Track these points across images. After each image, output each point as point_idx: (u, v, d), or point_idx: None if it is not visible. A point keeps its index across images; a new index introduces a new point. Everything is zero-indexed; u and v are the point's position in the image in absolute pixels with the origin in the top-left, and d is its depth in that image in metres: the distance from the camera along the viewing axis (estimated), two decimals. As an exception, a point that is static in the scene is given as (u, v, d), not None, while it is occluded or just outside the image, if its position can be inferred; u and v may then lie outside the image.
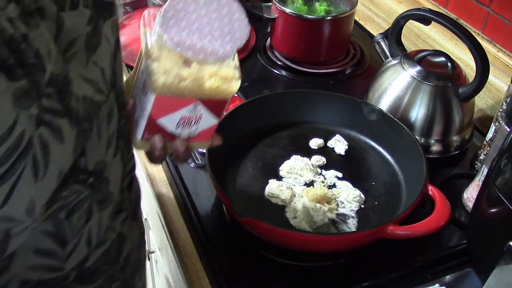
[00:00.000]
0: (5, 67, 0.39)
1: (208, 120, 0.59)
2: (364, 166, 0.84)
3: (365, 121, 0.87)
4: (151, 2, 1.30)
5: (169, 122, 0.57)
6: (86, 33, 0.46)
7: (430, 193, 0.71)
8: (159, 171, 0.87)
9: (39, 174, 0.45)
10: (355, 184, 0.80)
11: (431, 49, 0.99)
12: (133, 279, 0.69)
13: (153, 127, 0.57)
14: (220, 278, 0.69)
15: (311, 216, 0.71)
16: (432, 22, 0.86)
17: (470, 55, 0.82)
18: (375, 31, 1.25)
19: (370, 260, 0.72)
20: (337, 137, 0.88)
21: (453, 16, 1.05)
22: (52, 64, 0.43)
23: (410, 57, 0.90)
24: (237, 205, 0.67)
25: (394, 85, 0.88)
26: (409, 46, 1.11)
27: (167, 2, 0.54)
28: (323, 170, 0.83)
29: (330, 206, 0.74)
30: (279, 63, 1.12)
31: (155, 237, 1.08)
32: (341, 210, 0.76)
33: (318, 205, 0.72)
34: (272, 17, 1.09)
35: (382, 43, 0.98)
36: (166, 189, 0.84)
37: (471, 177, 0.81)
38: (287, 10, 1.06)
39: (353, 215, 0.75)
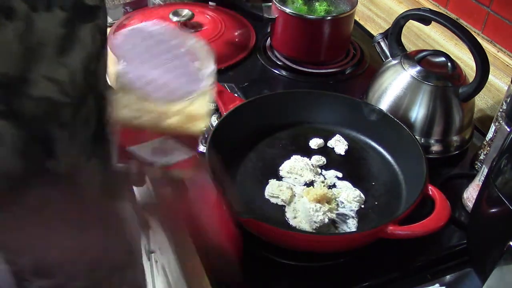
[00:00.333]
0: None
1: (182, 153, 0.58)
2: (364, 166, 0.84)
3: (365, 121, 0.87)
4: (151, 2, 1.30)
5: (141, 150, 0.56)
6: (58, 34, 0.46)
7: (430, 193, 0.71)
8: (159, 171, 0.87)
9: None
10: (355, 184, 0.80)
11: (431, 49, 0.99)
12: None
13: (124, 154, 0.56)
14: (220, 278, 0.69)
15: (311, 216, 0.71)
16: (432, 22, 0.86)
17: (470, 55, 0.82)
18: (375, 31, 1.25)
19: (370, 260, 0.72)
20: (337, 137, 0.88)
21: (453, 16, 1.05)
22: (7, 66, 0.42)
23: (410, 57, 0.90)
24: (237, 205, 0.67)
25: (394, 85, 0.88)
26: (409, 46, 1.11)
27: (125, 33, 0.53)
28: (323, 170, 0.83)
29: (330, 206, 0.74)
30: (279, 63, 1.12)
31: (155, 237, 1.08)
32: (341, 210, 0.76)
33: (318, 205, 0.72)
34: (272, 17, 1.09)
35: (382, 43, 0.98)
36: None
37: (471, 177, 0.81)
38: (287, 10, 1.06)
39: (353, 215, 0.75)
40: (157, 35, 0.52)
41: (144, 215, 0.65)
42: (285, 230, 0.68)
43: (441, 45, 1.06)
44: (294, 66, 1.10)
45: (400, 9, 1.14)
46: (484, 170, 0.75)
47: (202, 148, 0.87)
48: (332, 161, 0.84)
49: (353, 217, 0.75)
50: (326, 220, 0.71)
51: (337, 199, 0.77)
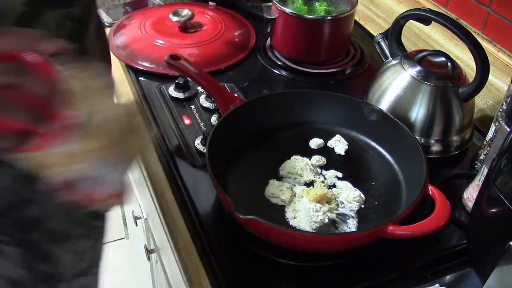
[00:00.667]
0: None
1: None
2: (364, 166, 0.84)
3: (365, 121, 0.87)
4: (151, 2, 1.30)
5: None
6: (19, 11, 0.47)
7: (430, 193, 0.71)
8: (159, 171, 0.87)
9: None
10: (355, 184, 0.80)
11: (431, 49, 0.99)
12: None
13: None
14: (220, 278, 0.69)
15: (311, 216, 0.71)
16: (432, 22, 0.86)
17: (470, 55, 0.82)
18: (375, 31, 1.25)
19: (370, 260, 0.72)
20: (337, 137, 0.88)
21: (453, 16, 1.05)
22: None
23: (410, 57, 0.90)
24: (237, 205, 0.67)
25: (394, 85, 0.88)
26: (409, 46, 1.11)
27: None
28: (323, 170, 0.83)
29: (330, 206, 0.74)
30: (279, 63, 1.12)
31: (155, 237, 1.08)
32: (341, 210, 0.76)
33: (318, 205, 0.72)
34: (272, 17, 1.09)
35: (382, 43, 0.98)
36: (166, 189, 0.84)
37: (471, 177, 0.81)
38: (287, 10, 1.06)
39: (353, 215, 0.75)
40: None
41: None
42: (285, 230, 0.68)
43: (441, 45, 1.06)
44: (294, 66, 1.10)
45: (400, 9, 1.14)
46: (484, 170, 0.75)
47: (202, 148, 0.87)
48: (332, 161, 0.84)
49: (353, 217, 0.75)
50: (326, 220, 0.71)
51: (337, 199, 0.77)
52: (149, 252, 1.16)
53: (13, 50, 0.43)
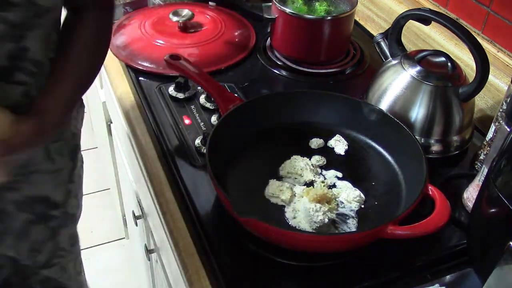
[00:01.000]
0: None
1: None
2: (364, 166, 0.84)
3: (365, 121, 0.87)
4: (151, 2, 1.30)
5: None
6: None
7: (430, 193, 0.71)
8: (159, 171, 0.87)
9: None
10: (355, 184, 0.80)
11: (431, 49, 0.99)
12: None
13: None
14: (220, 278, 0.69)
15: (311, 216, 0.71)
16: (432, 22, 0.86)
17: (470, 55, 0.82)
18: (375, 31, 1.25)
19: (370, 260, 0.72)
20: (337, 137, 0.88)
21: (453, 16, 1.05)
22: None
23: (410, 57, 0.90)
24: (237, 205, 0.67)
25: (394, 85, 0.88)
26: (409, 46, 1.11)
27: None
28: (323, 170, 0.83)
29: (330, 206, 0.74)
30: (279, 63, 1.12)
31: (155, 237, 1.08)
32: (341, 210, 0.76)
33: (318, 205, 0.72)
34: (272, 17, 1.09)
35: (382, 43, 0.98)
36: (166, 189, 0.84)
37: (471, 177, 0.81)
38: (287, 10, 1.06)
39: (353, 215, 0.75)
40: None
41: None
42: (285, 230, 0.68)
43: (441, 45, 1.06)
44: (294, 66, 1.10)
45: (400, 9, 1.14)
46: (484, 170, 0.75)
47: (202, 148, 0.87)
48: (332, 161, 0.84)
49: (353, 217, 0.75)
50: (326, 220, 0.71)
51: (337, 199, 0.77)
52: (149, 252, 1.16)
53: None
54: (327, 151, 0.86)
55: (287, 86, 1.08)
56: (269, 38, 1.17)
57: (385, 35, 0.97)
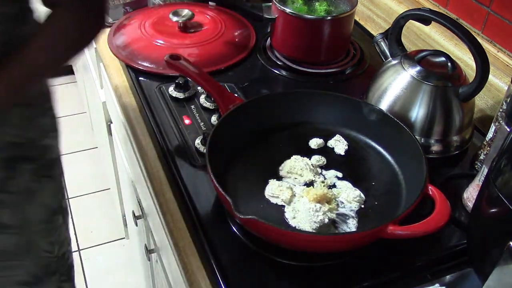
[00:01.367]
0: None
1: None
2: (364, 166, 0.84)
3: (365, 121, 0.87)
4: (151, 2, 1.30)
5: None
6: None
7: (430, 193, 0.71)
8: (159, 171, 0.87)
9: None
10: (355, 184, 0.80)
11: (431, 49, 0.99)
12: None
13: None
14: (220, 278, 0.69)
15: (311, 216, 0.71)
16: (432, 22, 0.86)
17: (470, 55, 0.82)
18: (375, 31, 1.25)
19: (370, 260, 0.72)
20: (337, 137, 0.88)
21: (453, 16, 1.05)
22: None
23: (410, 57, 0.90)
24: (237, 205, 0.67)
25: (394, 85, 0.88)
26: (409, 46, 1.11)
27: None
28: (323, 170, 0.83)
29: (330, 206, 0.74)
30: (279, 63, 1.12)
31: (155, 237, 1.08)
32: (341, 210, 0.76)
33: (318, 205, 0.72)
34: (272, 17, 1.09)
35: (382, 43, 0.98)
36: (166, 189, 0.84)
37: (471, 177, 0.81)
38: (287, 10, 1.06)
39: (353, 215, 0.75)
40: None
41: None
42: (285, 230, 0.68)
43: (441, 45, 1.06)
44: (294, 66, 1.10)
45: (400, 9, 1.14)
46: (484, 170, 0.75)
47: (202, 148, 0.87)
48: (332, 161, 0.84)
49: (353, 217, 0.75)
50: (326, 220, 0.71)
51: (337, 199, 0.77)
52: (149, 252, 1.16)
53: None
54: (327, 151, 0.86)
55: (287, 86, 1.08)
56: (269, 38, 1.17)
57: (385, 35, 0.97)
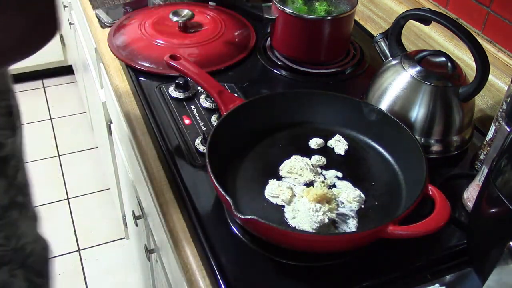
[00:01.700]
0: None
1: None
2: (364, 166, 0.84)
3: (365, 121, 0.87)
4: (151, 2, 1.30)
5: None
6: None
7: (430, 193, 0.71)
8: (159, 171, 0.87)
9: None
10: (355, 184, 0.80)
11: (431, 49, 0.99)
12: None
13: None
14: (220, 278, 0.69)
15: (311, 216, 0.71)
16: (432, 22, 0.86)
17: (470, 55, 0.82)
18: (375, 31, 1.25)
19: (370, 260, 0.72)
20: (337, 137, 0.88)
21: (453, 16, 1.05)
22: None
23: (410, 57, 0.90)
24: (237, 205, 0.67)
25: (394, 85, 0.88)
26: (409, 46, 1.11)
27: None
28: (323, 170, 0.83)
29: (330, 206, 0.74)
30: (279, 63, 1.12)
31: (155, 237, 1.08)
32: (341, 210, 0.76)
33: (318, 205, 0.72)
34: (272, 17, 1.09)
35: (382, 43, 0.98)
36: (166, 189, 0.84)
37: (471, 177, 0.81)
38: (287, 10, 1.06)
39: (353, 215, 0.75)
40: None
41: None
42: (285, 230, 0.68)
43: (441, 45, 1.06)
44: (294, 66, 1.10)
45: (400, 9, 1.14)
46: (484, 170, 0.75)
47: (202, 148, 0.87)
48: (332, 161, 0.84)
49: (353, 217, 0.75)
50: (326, 220, 0.71)
51: (337, 199, 0.77)
52: (149, 252, 1.16)
53: None
54: (327, 151, 0.86)
55: (287, 86, 1.08)
56: (269, 38, 1.17)
57: (385, 35, 0.97)
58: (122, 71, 1.11)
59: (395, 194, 0.79)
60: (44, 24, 0.70)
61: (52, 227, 1.97)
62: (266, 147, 0.86)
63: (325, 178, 0.81)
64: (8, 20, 0.67)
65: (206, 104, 0.97)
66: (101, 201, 2.08)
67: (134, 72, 1.07)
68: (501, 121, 0.77)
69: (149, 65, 1.07)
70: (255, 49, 1.16)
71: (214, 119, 0.94)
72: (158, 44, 1.11)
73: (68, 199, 2.10)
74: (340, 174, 0.82)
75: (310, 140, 0.88)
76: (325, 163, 0.84)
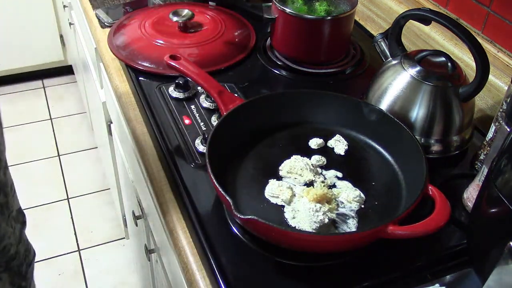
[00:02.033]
0: None
1: None
2: (364, 166, 0.84)
3: (365, 121, 0.87)
4: (151, 2, 1.30)
5: None
6: None
7: (430, 193, 0.71)
8: (159, 171, 0.87)
9: None
10: (355, 184, 0.80)
11: (431, 49, 0.99)
12: None
13: None
14: (220, 278, 0.69)
15: (311, 216, 0.71)
16: (432, 22, 0.86)
17: (470, 55, 0.82)
18: (375, 31, 1.25)
19: (370, 260, 0.72)
20: (337, 137, 0.88)
21: (453, 16, 1.05)
22: None
23: (410, 57, 0.90)
24: (237, 205, 0.67)
25: (394, 85, 0.88)
26: (409, 46, 1.11)
27: None
28: (323, 170, 0.83)
29: (330, 206, 0.74)
30: (279, 63, 1.12)
31: (155, 237, 1.08)
32: (341, 210, 0.76)
33: (318, 205, 0.72)
34: (272, 17, 1.09)
35: (382, 43, 0.98)
36: (166, 189, 0.84)
37: (471, 177, 0.81)
38: (287, 10, 1.06)
39: (353, 215, 0.75)
40: None
41: None
42: (285, 230, 0.68)
43: (441, 45, 1.06)
44: (294, 66, 1.10)
45: (400, 9, 1.14)
46: (484, 170, 0.75)
47: (202, 148, 0.87)
48: (332, 161, 0.84)
49: (353, 217, 0.75)
50: (326, 220, 0.71)
51: (337, 199, 0.77)
52: (149, 252, 1.16)
53: None
54: (327, 151, 0.86)
55: (287, 86, 1.08)
56: (269, 38, 1.17)
57: (385, 35, 0.97)
58: (122, 71, 1.11)
59: (395, 194, 0.79)
60: None
61: (52, 227, 1.97)
62: (266, 147, 0.86)
63: (325, 178, 0.81)
64: None
65: (206, 104, 0.97)
66: (101, 201, 2.09)
67: (134, 72, 1.07)
68: (501, 121, 0.77)
69: (149, 65, 1.07)
70: (255, 49, 1.16)
71: (214, 119, 0.94)
72: (158, 44, 1.11)
73: (68, 199, 2.10)
74: (340, 174, 0.82)
75: (310, 140, 0.88)
76: (325, 163, 0.84)
